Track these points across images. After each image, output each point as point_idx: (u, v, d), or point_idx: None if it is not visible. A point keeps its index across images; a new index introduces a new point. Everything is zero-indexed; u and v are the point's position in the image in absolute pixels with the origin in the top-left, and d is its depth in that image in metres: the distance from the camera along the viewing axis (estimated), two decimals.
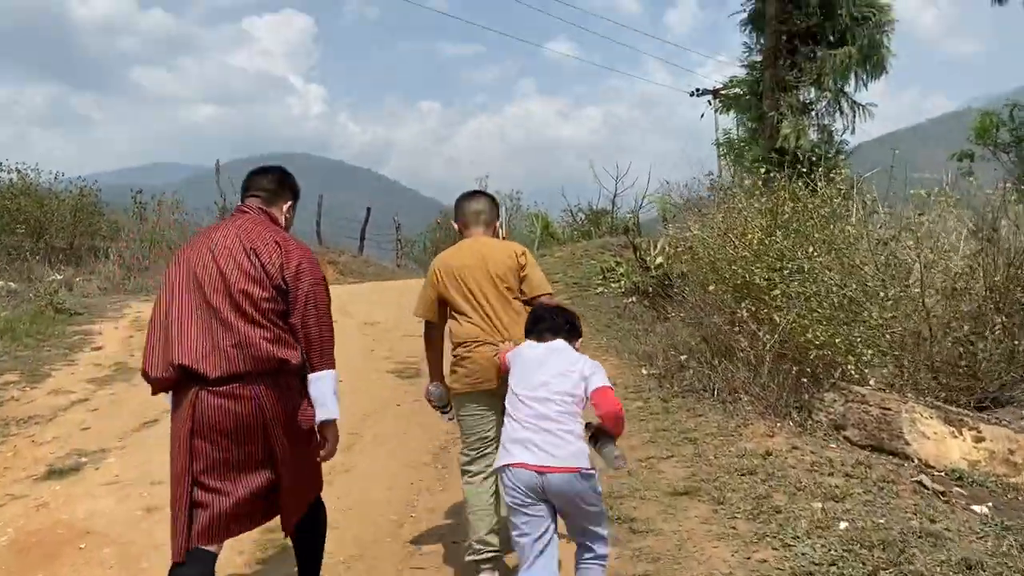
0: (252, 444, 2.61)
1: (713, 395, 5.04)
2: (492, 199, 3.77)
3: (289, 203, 3.04)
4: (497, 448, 2.95)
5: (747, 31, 10.07)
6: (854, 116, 9.31)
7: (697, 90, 34.06)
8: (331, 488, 4.42)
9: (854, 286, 4.71)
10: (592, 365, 2.84)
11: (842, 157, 8.45)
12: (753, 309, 5.16)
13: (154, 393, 2.73)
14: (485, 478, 3.30)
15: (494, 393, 3.22)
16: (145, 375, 2.69)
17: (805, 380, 4.60)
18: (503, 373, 3.07)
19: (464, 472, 3.39)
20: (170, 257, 3.12)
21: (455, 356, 3.40)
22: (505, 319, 3.34)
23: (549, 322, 3.02)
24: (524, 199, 36.67)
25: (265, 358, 2.60)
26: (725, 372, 5.19)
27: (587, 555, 2.72)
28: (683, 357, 6.25)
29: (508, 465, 2.67)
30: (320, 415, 2.75)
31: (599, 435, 2.78)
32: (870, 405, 4.13)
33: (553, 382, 2.75)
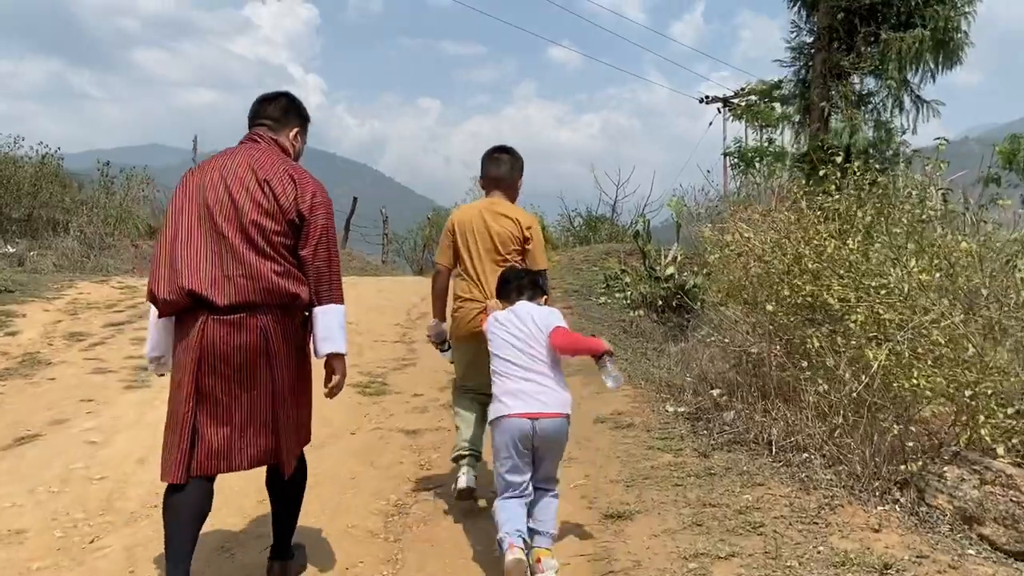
0: (255, 374, 2.60)
1: (771, 452, 3.73)
2: (515, 159, 3.80)
3: (296, 129, 2.98)
4: (481, 388, 3.44)
5: (795, 8, 8.80)
6: (917, 114, 8.08)
7: (706, 97, 32.94)
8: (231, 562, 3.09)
9: (981, 319, 3.40)
10: (550, 311, 3.16)
11: (901, 161, 7.26)
12: (828, 338, 3.85)
13: (161, 315, 2.69)
14: (472, 402, 3.69)
15: (482, 337, 3.33)
16: (152, 296, 2.66)
17: (911, 444, 3.30)
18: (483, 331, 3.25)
19: (456, 393, 3.83)
20: (176, 187, 2.85)
21: (454, 307, 3.70)
22: (492, 280, 3.48)
23: (515, 282, 3.25)
24: (520, 202, 35.48)
25: (276, 291, 2.60)
26: (785, 419, 3.89)
27: (546, 492, 2.99)
28: (718, 392, 4.94)
29: (504, 416, 2.90)
30: (327, 348, 2.74)
31: (597, 358, 3.04)
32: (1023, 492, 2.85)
33: (529, 339, 3.01)
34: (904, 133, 8.12)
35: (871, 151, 7.71)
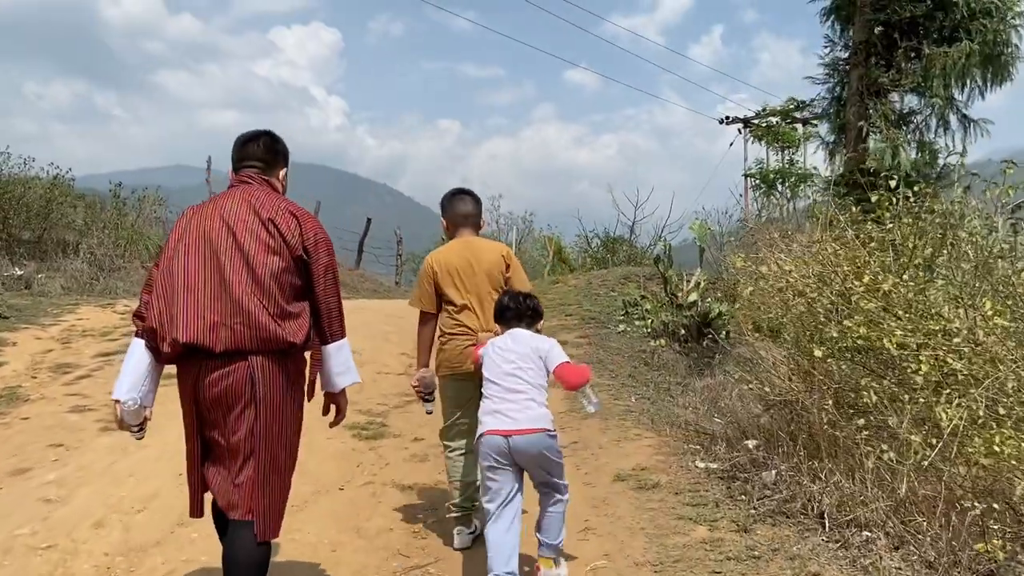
0: (241, 411, 2.58)
1: (824, 527, 3.17)
2: (477, 199, 3.93)
3: (284, 170, 3.00)
4: (473, 431, 3.29)
5: (829, 21, 8.26)
6: (965, 134, 7.49)
7: (727, 118, 32.36)
8: None
9: None
10: (549, 342, 3.24)
11: (957, 185, 6.66)
12: (887, 391, 3.30)
13: (159, 363, 2.70)
14: (462, 454, 3.67)
15: (472, 377, 3.49)
16: (152, 345, 2.66)
17: (996, 526, 2.73)
18: (476, 363, 3.33)
19: (445, 447, 3.76)
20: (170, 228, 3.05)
21: (441, 342, 3.71)
22: (488, 309, 3.57)
23: (514, 310, 3.32)
24: (537, 222, 34.95)
25: (273, 339, 2.60)
26: (839, 487, 3.33)
27: (550, 500, 3.10)
28: (754, 444, 4.39)
29: (482, 434, 3.06)
30: (346, 381, 2.85)
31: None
32: None
33: (517, 362, 3.12)
34: (948, 155, 7.52)
35: (914, 174, 7.13)
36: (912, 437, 3.07)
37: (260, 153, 2.91)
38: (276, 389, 2.61)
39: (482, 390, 3.17)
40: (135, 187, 18.50)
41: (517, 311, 3.29)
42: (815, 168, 22.60)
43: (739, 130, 32.15)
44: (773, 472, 3.83)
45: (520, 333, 3.24)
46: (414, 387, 3.81)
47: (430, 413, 3.84)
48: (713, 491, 3.83)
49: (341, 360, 2.82)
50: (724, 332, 10.04)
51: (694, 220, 11.50)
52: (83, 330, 9.16)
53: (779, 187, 23.03)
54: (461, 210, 3.84)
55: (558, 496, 3.10)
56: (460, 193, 3.92)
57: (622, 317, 10.27)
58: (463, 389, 3.61)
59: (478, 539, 3.51)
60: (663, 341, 9.44)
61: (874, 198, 4.15)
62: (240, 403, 2.56)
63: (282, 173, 2.98)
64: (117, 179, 18.20)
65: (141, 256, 16.92)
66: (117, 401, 2.63)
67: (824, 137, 7.92)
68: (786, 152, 23.13)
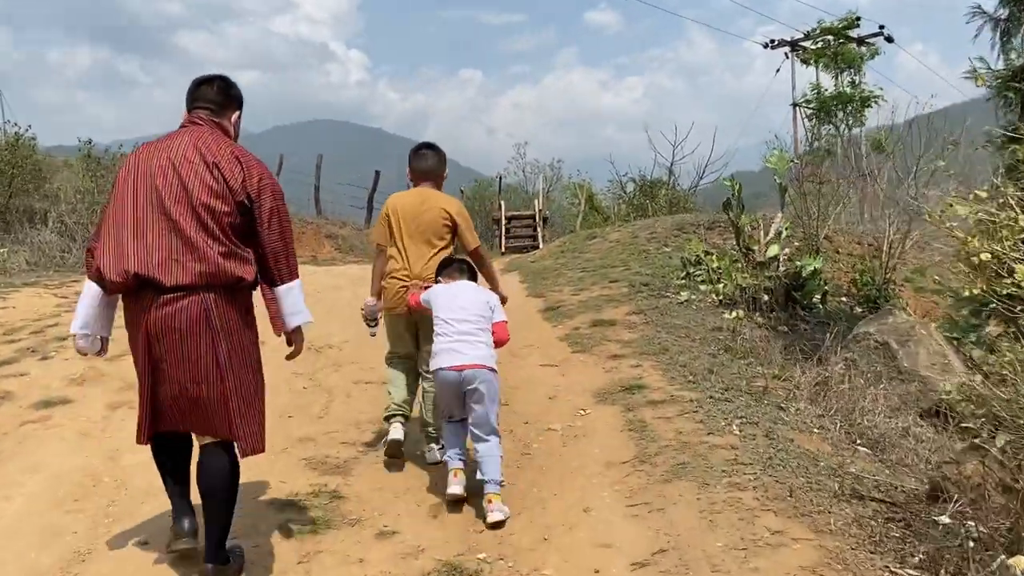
0: (198, 346, 2.66)
1: None
2: (439, 155, 4.24)
3: (237, 113, 3.04)
4: (411, 355, 4.08)
5: None
6: None
7: (772, 41, 29.28)
8: None
9: None
10: (495, 299, 3.78)
11: None
12: None
13: (108, 294, 2.79)
14: (401, 365, 4.12)
15: (406, 317, 3.99)
16: (98, 277, 2.73)
17: None
18: (413, 307, 3.84)
19: (387, 361, 4.23)
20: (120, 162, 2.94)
21: (384, 282, 4.11)
22: (412, 259, 3.97)
23: (456, 265, 3.84)
24: (564, 169, 32.29)
25: (222, 273, 2.68)
26: None
27: (486, 447, 3.43)
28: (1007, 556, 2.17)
29: (439, 368, 3.49)
30: (296, 321, 2.94)
31: None
32: None
33: (469, 307, 3.57)
34: None
35: None
36: None
37: (212, 95, 2.96)
38: (232, 319, 2.74)
39: (435, 327, 3.58)
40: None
41: (459, 267, 3.81)
42: (881, 88, 19.86)
43: (786, 54, 29.13)
44: None
45: (469, 285, 3.73)
46: (361, 311, 4.26)
47: (373, 336, 4.32)
48: None
49: (291, 302, 2.90)
50: (820, 296, 7.74)
51: (772, 151, 9.07)
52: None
53: (839, 114, 20.35)
54: (421, 165, 4.17)
55: (492, 439, 3.44)
56: (423, 148, 4.25)
57: (682, 280, 8.01)
58: (396, 324, 4.08)
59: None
60: (740, 312, 7.17)
61: None
62: (197, 333, 2.66)
63: (234, 116, 3.03)
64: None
65: None
66: (73, 335, 2.88)
67: (994, 13, 5.56)
68: (846, 73, 20.28)
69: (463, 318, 3.50)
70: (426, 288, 3.80)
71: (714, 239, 10.02)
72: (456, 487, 3.44)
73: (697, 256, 8.43)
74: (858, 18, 21.32)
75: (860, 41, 21.85)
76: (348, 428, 4.55)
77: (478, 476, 3.39)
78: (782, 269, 7.64)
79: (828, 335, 5.86)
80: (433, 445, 4.03)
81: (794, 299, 7.49)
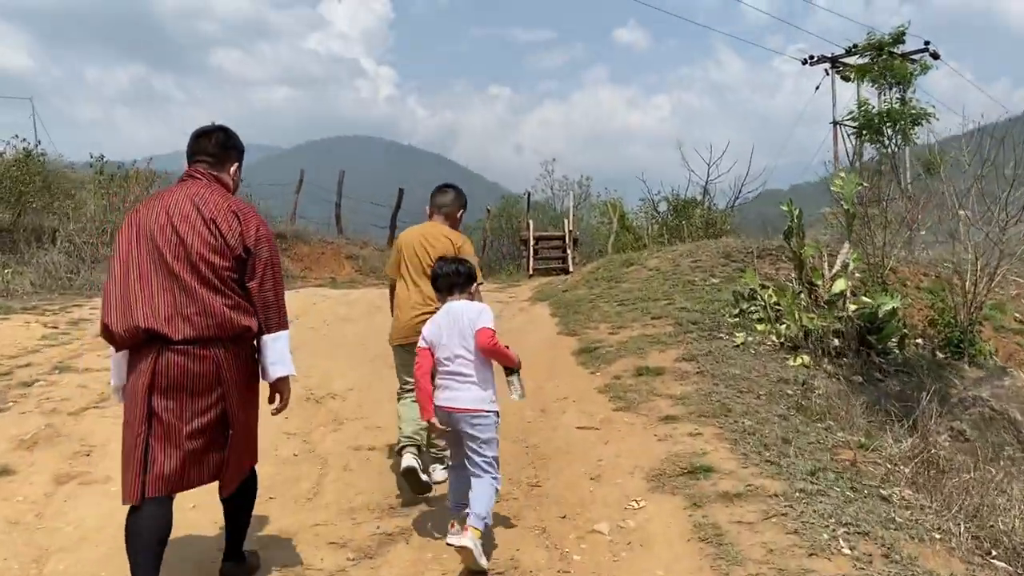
0: (207, 401, 2.70)
1: None
2: (458, 195, 4.36)
3: (236, 165, 3.07)
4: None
5: None
6: None
7: (811, 57, 28.25)
8: None
9: None
10: (479, 309, 3.43)
11: None
12: None
13: (117, 350, 2.78)
14: (413, 401, 3.86)
15: (404, 348, 3.99)
16: (107, 331, 2.73)
17: None
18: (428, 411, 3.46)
19: (398, 396, 4.17)
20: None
21: (394, 315, 4.20)
22: (425, 291, 3.95)
23: (444, 279, 3.50)
24: (595, 186, 31.32)
25: (228, 325, 2.74)
26: None
27: (478, 477, 3.24)
28: None
29: (436, 407, 3.31)
30: (280, 371, 2.91)
31: (507, 371, 3.41)
32: None
33: (455, 344, 3.33)
34: None
35: None
36: None
37: (211, 148, 2.99)
38: (240, 372, 2.80)
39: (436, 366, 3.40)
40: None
41: (449, 283, 3.47)
42: (933, 106, 18.70)
43: (826, 71, 28.07)
44: None
45: (455, 307, 3.43)
46: None
47: None
48: None
49: (277, 350, 2.90)
50: (897, 339, 6.73)
51: (837, 172, 8.09)
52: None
53: (887, 131, 19.19)
54: (438, 200, 4.33)
55: (484, 477, 3.23)
56: (445, 186, 4.42)
57: (735, 318, 7.05)
58: (404, 356, 4.00)
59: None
60: (806, 358, 6.21)
61: None
62: (207, 388, 2.69)
63: (233, 168, 3.05)
64: (180, 159, 16.14)
65: None
66: (115, 389, 2.87)
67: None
68: (895, 89, 19.14)
69: (450, 353, 3.34)
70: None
71: (765, 268, 9.03)
72: (458, 538, 3.11)
73: (751, 290, 7.47)
74: (903, 33, 20.23)
75: (904, 57, 20.76)
76: (341, 519, 3.65)
77: (465, 511, 3.22)
78: (851, 307, 6.65)
79: (924, 396, 4.86)
80: (437, 465, 4.03)
81: (868, 343, 6.49)
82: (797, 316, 6.48)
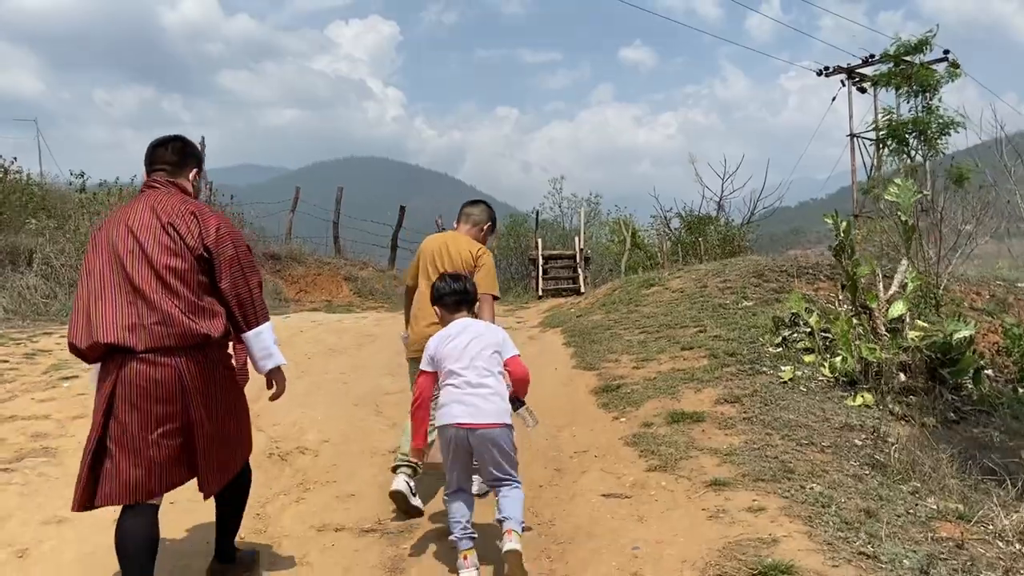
0: (171, 407, 2.67)
1: None
2: (487, 211, 4.30)
3: (195, 171, 3.07)
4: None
5: None
6: None
7: (826, 68, 27.34)
8: None
9: None
10: (501, 332, 3.34)
11: None
12: None
13: (88, 363, 2.78)
14: None
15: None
16: (74, 349, 2.74)
17: None
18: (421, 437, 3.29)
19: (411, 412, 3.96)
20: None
21: (410, 325, 4.06)
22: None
23: (450, 296, 3.39)
24: (604, 203, 30.40)
25: (188, 334, 2.69)
26: None
27: (505, 486, 3.12)
28: None
29: (446, 424, 3.11)
30: (269, 364, 2.96)
31: (513, 400, 3.25)
32: None
33: (475, 355, 3.17)
34: None
35: None
36: None
37: (169, 157, 2.99)
38: (205, 379, 2.73)
39: (441, 377, 3.19)
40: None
41: (456, 300, 3.36)
42: (962, 115, 17.70)
43: (842, 82, 27.17)
44: None
45: (475, 324, 3.32)
46: (405, 346, 4.07)
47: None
48: None
49: (261, 346, 2.91)
50: (971, 373, 5.73)
51: (893, 179, 7.14)
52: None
53: (913, 141, 18.22)
54: (466, 211, 4.26)
55: (513, 486, 3.12)
56: (475, 201, 4.40)
57: (777, 348, 6.08)
58: (413, 368, 3.84)
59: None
60: (868, 397, 5.24)
61: None
62: (170, 397, 2.65)
63: (192, 174, 3.04)
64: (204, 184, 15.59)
65: None
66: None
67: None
68: (921, 96, 18.18)
69: (468, 364, 3.16)
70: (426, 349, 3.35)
71: (802, 288, 8.07)
72: (470, 571, 3.00)
73: (791, 315, 6.51)
74: (928, 39, 19.30)
75: (922, 66, 19.84)
76: None
77: (496, 516, 3.11)
78: (913, 335, 5.66)
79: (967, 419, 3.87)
80: (402, 474, 3.70)
81: (940, 378, 5.51)
82: (855, 347, 5.50)
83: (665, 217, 23.00)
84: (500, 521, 3.06)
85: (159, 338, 2.63)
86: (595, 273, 19.46)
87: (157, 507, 2.73)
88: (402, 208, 17.34)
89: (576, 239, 19.57)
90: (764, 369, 5.60)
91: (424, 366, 3.24)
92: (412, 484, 3.65)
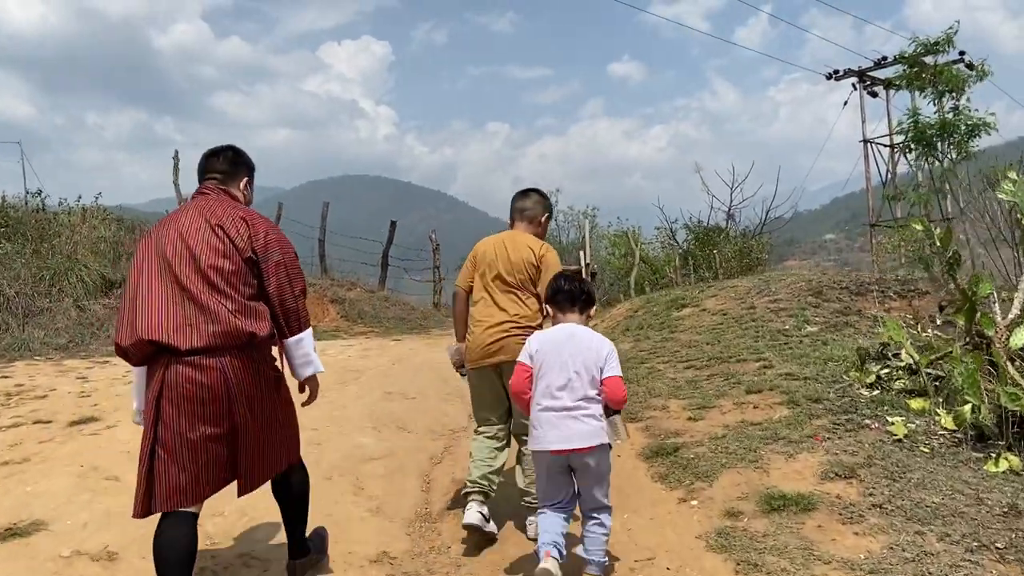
0: (216, 411, 2.66)
1: None
2: (540, 197, 3.99)
3: (246, 179, 3.09)
4: (498, 421, 3.69)
5: None
6: None
7: (835, 72, 26.24)
8: None
9: None
10: (609, 349, 3.09)
11: None
12: None
13: (134, 365, 2.78)
14: (487, 437, 3.70)
15: (494, 369, 3.61)
16: (119, 349, 2.74)
17: None
18: (518, 393, 3.16)
19: (474, 432, 3.80)
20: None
21: (469, 330, 3.77)
22: (501, 304, 3.67)
23: (567, 292, 3.22)
24: (605, 214, 29.13)
25: (234, 333, 2.67)
26: None
27: (593, 524, 3.01)
28: None
29: (539, 450, 3.00)
30: (308, 371, 2.95)
31: (606, 410, 3.04)
32: None
33: (574, 363, 3.00)
34: None
35: None
36: None
37: (221, 166, 3.02)
38: (250, 381, 2.70)
39: (535, 388, 3.06)
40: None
41: (570, 295, 3.21)
42: (993, 114, 16.51)
43: (853, 85, 26.12)
44: None
45: (580, 332, 3.13)
46: (452, 362, 3.89)
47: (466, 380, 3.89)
48: None
49: (301, 353, 2.91)
50: None
51: (1008, 164, 5.84)
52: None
53: (939, 145, 17.03)
54: (518, 204, 3.97)
55: (602, 515, 3.03)
56: (526, 190, 4.03)
57: (871, 390, 4.75)
58: (480, 381, 3.70)
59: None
60: (1015, 460, 3.92)
61: None
62: (215, 399, 2.63)
63: (243, 182, 3.06)
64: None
65: (74, 293, 12.07)
66: (136, 412, 2.85)
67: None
68: (947, 98, 16.96)
69: (564, 382, 2.98)
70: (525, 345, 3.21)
71: (870, 308, 6.74)
72: (549, 564, 2.84)
73: (880, 346, 5.18)
74: (948, 38, 18.10)
75: (947, 67, 18.68)
76: None
77: (577, 551, 3.04)
78: None
79: None
80: (533, 517, 3.43)
81: None
82: (987, 392, 4.17)
83: (671, 229, 21.76)
84: (581, 557, 3.00)
85: (205, 337, 2.62)
86: (602, 289, 18.16)
87: (196, 515, 2.69)
88: (393, 223, 16.00)
89: (580, 254, 18.28)
90: (866, 421, 4.26)
91: (523, 358, 3.11)
92: (485, 511, 3.53)
